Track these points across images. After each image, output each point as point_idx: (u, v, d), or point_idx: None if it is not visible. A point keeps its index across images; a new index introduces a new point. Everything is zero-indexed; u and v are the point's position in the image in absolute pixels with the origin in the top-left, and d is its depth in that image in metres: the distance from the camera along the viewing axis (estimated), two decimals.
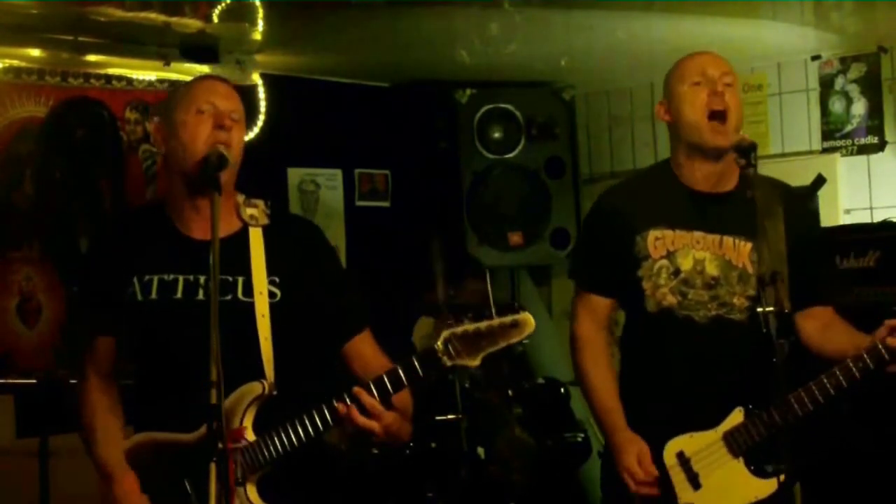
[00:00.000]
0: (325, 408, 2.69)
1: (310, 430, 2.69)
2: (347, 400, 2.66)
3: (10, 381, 4.57)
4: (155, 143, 2.84)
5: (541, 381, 5.70)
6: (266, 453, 2.69)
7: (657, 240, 3.12)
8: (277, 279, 2.78)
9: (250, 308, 2.74)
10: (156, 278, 2.78)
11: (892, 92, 5.32)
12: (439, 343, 2.62)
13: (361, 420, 2.65)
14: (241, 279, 2.76)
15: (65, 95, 4.91)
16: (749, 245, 3.08)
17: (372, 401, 2.65)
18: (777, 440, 2.96)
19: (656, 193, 3.19)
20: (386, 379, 2.66)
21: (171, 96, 2.92)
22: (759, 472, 3.04)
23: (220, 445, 2.37)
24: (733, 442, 3.04)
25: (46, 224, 4.86)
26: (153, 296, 2.77)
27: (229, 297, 2.73)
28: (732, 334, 3.08)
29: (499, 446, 5.27)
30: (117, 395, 2.93)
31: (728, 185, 3.15)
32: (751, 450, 3.04)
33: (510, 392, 5.38)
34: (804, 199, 3.33)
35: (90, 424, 2.88)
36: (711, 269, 3.09)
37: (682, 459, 3.07)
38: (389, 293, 5.39)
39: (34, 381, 4.44)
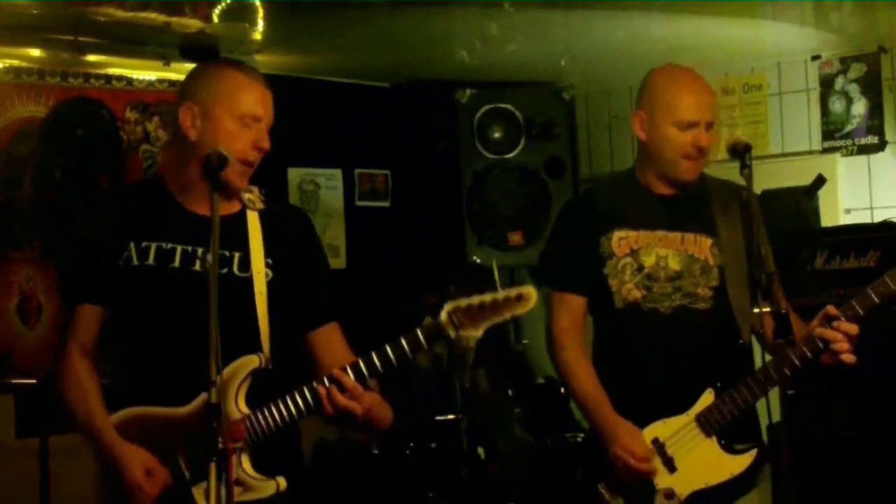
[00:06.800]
0: (305, 390, 2.73)
1: (293, 410, 2.73)
2: (326, 382, 2.71)
3: (10, 381, 4.56)
4: (183, 126, 2.79)
5: (541, 381, 5.70)
6: (257, 429, 2.73)
7: (621, 239, 3.25)
8: (271, 260, 2.84)
9: (248, 284, 2.80)
10: (154, 245, 2.81)
11: (893, 92, 5.32)
12: (443, 315, 2.68)
13: (342, 401, 2.68)
14: (237, 255, 2.81)
15: (65, 95, 4.91)
16: (709, 241, 3.21)
17: (353, 382, 2.69)
18: (747, 417, 3.11)
19: (620, 198, 3.33)
20: (375, 357, 2.71)
21: (205, 77, 2.85)
22: (732, 450, 3.12)
23: (220, 445, 2.37)
24: (706, 422, 3.12)
25: (46, 224, 4.86)
26: (150, 261, 2.80)
27: (225, 271, 2.78)
28: (696, 322, 3.18)
29: (499, 446, 5.27)
30: (97, 375, 2.87)
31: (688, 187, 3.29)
32: (723, 428, 3.11)
33: (510, 392, 5.38)
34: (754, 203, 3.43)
35: (85, 404, 2.81)
36: (674, 264, 3.21)
37: (657, 445, 3.14)
38: (389, 293, 5.39)
39: (34, 381, 4.44)
